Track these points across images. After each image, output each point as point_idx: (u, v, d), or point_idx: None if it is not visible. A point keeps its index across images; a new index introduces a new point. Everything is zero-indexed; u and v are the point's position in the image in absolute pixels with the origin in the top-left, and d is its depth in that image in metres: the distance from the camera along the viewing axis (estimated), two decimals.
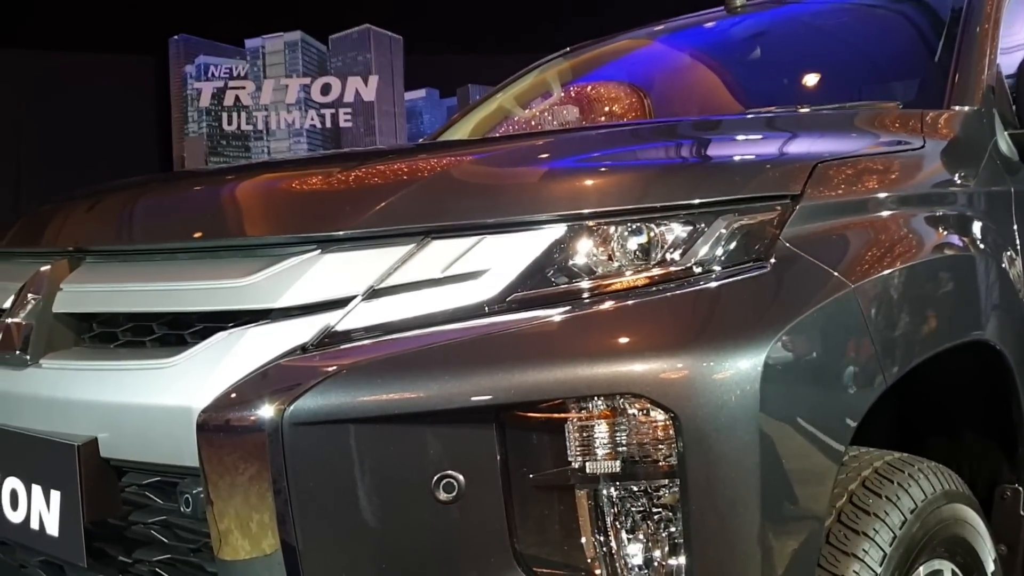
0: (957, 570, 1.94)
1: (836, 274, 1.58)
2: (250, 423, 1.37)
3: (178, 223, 1.77)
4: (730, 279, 1.49)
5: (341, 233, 1.53)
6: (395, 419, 1.37)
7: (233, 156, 10.01)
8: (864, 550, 1.64)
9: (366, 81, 10.09)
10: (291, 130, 10.47)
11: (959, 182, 2.11)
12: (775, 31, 3.40)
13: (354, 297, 1.47)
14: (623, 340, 1.41)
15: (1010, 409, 2.12)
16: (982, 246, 2.05)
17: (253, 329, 1.49)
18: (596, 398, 1.36)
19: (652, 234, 1.51)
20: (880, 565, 1.65)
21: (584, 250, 1.49)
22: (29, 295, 1.81)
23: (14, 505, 1.70)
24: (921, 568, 1.79)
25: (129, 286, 1.70)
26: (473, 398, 1.36)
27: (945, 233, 1.95)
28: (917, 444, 2.11)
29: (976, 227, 2.07)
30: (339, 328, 1.46)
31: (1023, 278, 2.17)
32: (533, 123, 3.53)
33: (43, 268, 1.83)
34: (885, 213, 1.81)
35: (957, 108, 2.31)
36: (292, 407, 1.36)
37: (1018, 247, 2.21)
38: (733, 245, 1.52)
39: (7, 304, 1.86)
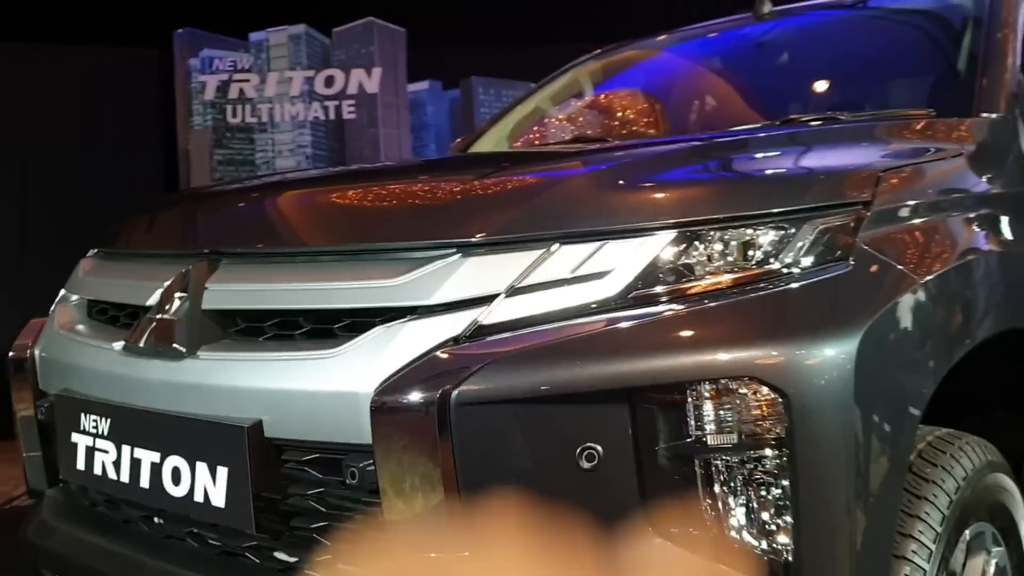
0: (996, 533, 2.20)
1: (906, 271, 1.82)
2: (423, 404, 1.60)
3: (319, 228, 1.98)
4: (819, 277, 1.72)
5: (478, 238, 1.75)
6: (545, 399, 1.59)
7: (238, 149, 10.13)
8: (927, 512, 1.89)
9: (369, 73, 10.22)
10: (295, 122, 10.59)
11: (992, 184, 2.35)
12: (801, 37, 3.63)
13: (497, 295, 1.70)
14: (737, 330, 1.64)
15: None
16: (1013, 242, 2.29)
17: (410, 323, 1.71)
18: (716, 380, 1.60)
19: (750, 238, 1.74)
20: (940, 525, 1.89)
21: (693, 253, 1.72)
22: (176, 294, 2.02)
23: (176, 481, 1.92)
24: (968, 531, 2.04)
25: (277, 286, 1.91)
26: (610, 381, 1.59)
27: (985, 232, 2.20)
28: (954, 421, 2.36)
29: (1007, 225, 2.31)
30: (486, 322, 1.69)
31: None
32: (573, 126, 3.75)
33: (186, 268, 2.04)
34: (939, 215, 2.06)
35: (985, 115, 2.55)
36: (459, 389, 1.59)
37: None
38: (820, 247, 1.75)
39: (151, 301, 2.07)
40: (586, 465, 1.60)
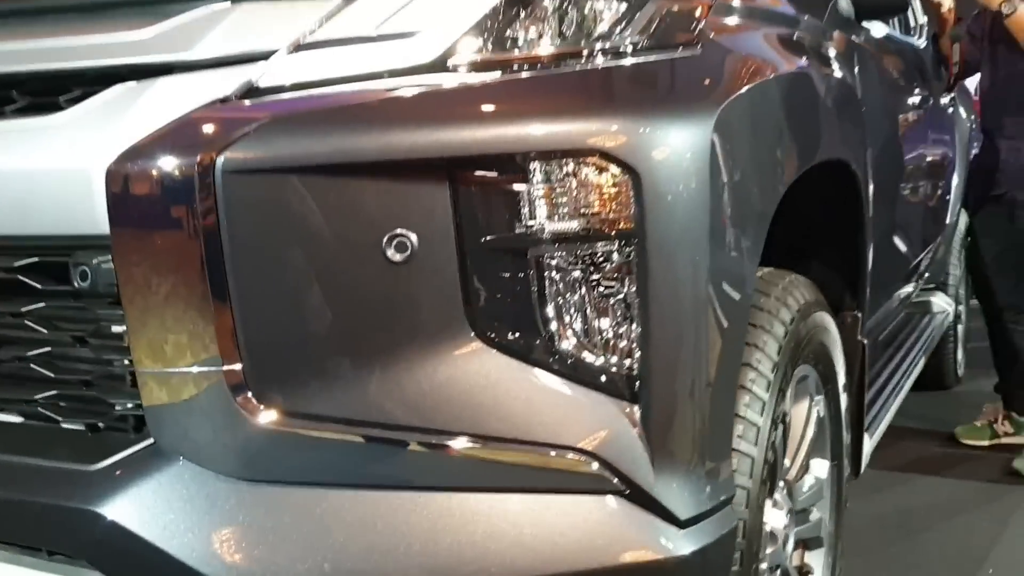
0: (818, 380, 2.07)
1: (757, 64, 1.60)
2: (177, 172, 1.21)
3: None
4: (669, 55, 1.46)
5: None
6: (343, 170, 1.24)
7: None
8: (764, 342, 1.70)
9: None
10: None
11: (817, 23, 2.19)
12: None
13: (276, 51, 1.32)
14: (584, 101, 1.35)
15: (856, 234, 2.26)
16: (842, 74, 2.15)
17: (160, 81, 1.31)
18: (556, 158, 1.30)
19: (591, 8, 1.45)
20: (777, 355, 1.71)
21: (530, 14, 1.40)
22: None
23: None
24: (797, 370, 1.88)
25: None
26: (428, 148, 1.26)
27: (824, 58, 2.03)
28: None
29: (840, 58, 2.16)
30: (262, 84, 1.31)
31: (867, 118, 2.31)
32: None
33: None
34: (780, 29, 1.86)
35: None
36: (227, 154, 1.21)
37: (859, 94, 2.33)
38: (666, 24, 1.49)
39: None
40: (396, 257, 1.27)
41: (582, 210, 1.32)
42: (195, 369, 1.26)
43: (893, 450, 3.58)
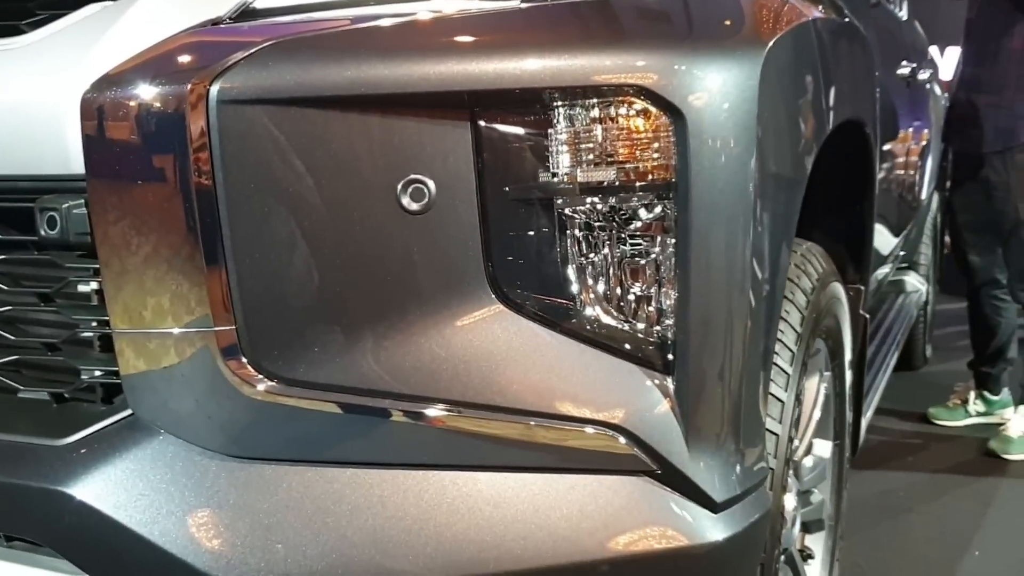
0: (827, 353, 1.96)
1: (798, 6, 1.47)
2: (165, 102, 1.04)
3: None
4: None
5: None
6: (353, 103, 1.09)
7: None
8: (787, 311, 1.58)
9: None
10: None
11: None
12: None
13: None
14: (616, 32, 1.21)
15: (862, 201, 2.16)
16: (860, 28, 2.03)
17: (141, 0, 1.14)
18: (589, 93, 1.16)
19: None
20: (800, 326, 1.60)
21: None
22: None
23: None
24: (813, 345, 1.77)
25: None
26: (445, 82, 1.11)
27: (843, 12, 1.91)
28: None
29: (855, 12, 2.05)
30: (260, 4, 1.15)
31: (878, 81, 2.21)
32: None
33: None
34: None
35: None
36: (221, 81, 1.05)
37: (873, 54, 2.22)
38: None
39: None
40: (412, 206, 1.12)
41: (617, 157, 1.18)
42: (182, 330, 1.10)
43: (869, 432, 3.52)
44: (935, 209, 4.68)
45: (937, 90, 4.49)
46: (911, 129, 3.40)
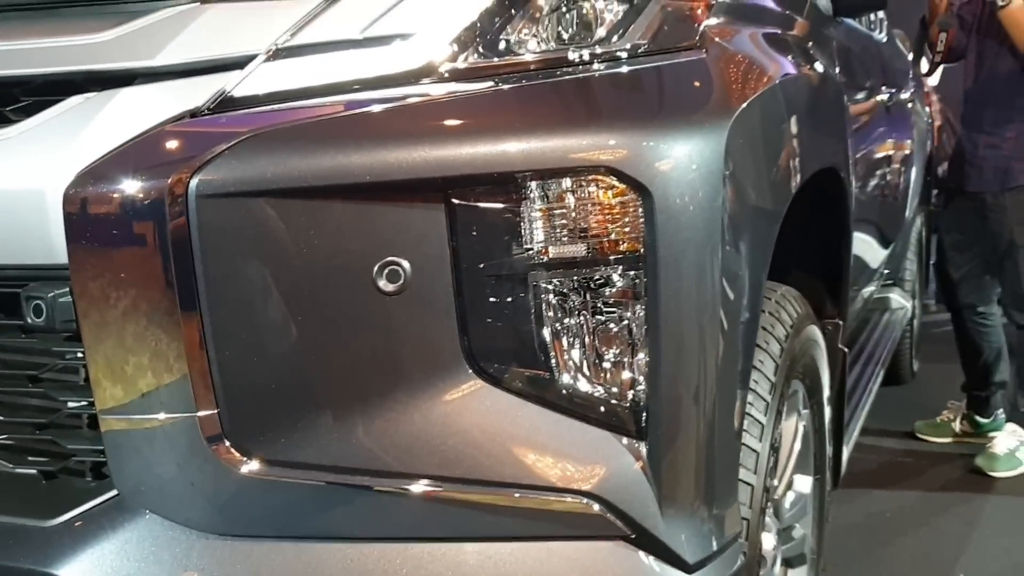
0: (806, 394, 2.00)
1: (762, 67, 1.51)
2: (145, 196, 1.07)
3: None
4: (673, 59, 1.36)
5: None
6: (331, 192, 1.12)
7: None
8: (760, 361, 1.62)
9: None
10: None
11: (803, 21, 2.11)
12: None
13: (254, 57, 1.20)
14: (589, 113, 1.24)
15: (839, 240, 2.20)
16: (829, 75, 2.07)
17: (124, 92, 1.17)
18: (560, 174, 1.19)
19: (590, 9, 1.34)
20: (774, 375, 1.63)
21: (527, 15, 1.29)
22: None
23: None
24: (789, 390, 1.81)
25: None
26: (421, 168, 1.14)
27: (813, 59, 1.95)
28: None
29: (825, 58, 2.09)
30: (237, 94, 1.18)
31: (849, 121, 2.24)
32: None
33: None
34: (769, 28, 1.77)
35: None
36: (200, 176, 1.08)
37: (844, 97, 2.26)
38: (668, 27, 1.39)
39: None
40: (388, 287, 1.16)
41: (587, 231, 1.22)
42: (166, 415, 1.13)
43: (855, 449, 3.55)
44: (920, 224, 4.72)
45: (920, 107, 4.54)
46: (893, 150, 3.44)
